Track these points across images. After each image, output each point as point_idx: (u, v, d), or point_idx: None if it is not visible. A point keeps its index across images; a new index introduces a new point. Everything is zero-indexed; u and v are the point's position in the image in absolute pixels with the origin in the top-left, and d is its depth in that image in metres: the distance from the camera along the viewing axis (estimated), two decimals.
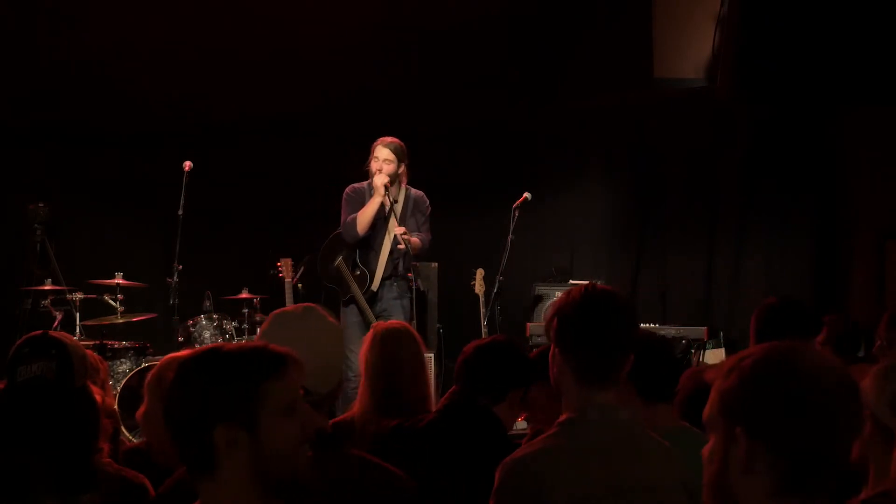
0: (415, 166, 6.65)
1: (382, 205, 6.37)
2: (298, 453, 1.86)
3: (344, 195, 6.52)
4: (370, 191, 6.42)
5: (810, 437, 1.55)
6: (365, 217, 6.35)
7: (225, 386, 1.82)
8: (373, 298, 6.48)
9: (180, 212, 6.60)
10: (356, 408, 3.54)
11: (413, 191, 6.58)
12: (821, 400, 1.55)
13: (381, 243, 6.51)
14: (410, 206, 6.53)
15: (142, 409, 3.35)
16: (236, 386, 1.82)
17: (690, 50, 7.74)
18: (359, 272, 6.51)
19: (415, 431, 3.17)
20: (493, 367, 3.23)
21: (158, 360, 6.48)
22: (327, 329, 2.38)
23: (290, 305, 2.48)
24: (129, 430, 6.27)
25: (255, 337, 2.40)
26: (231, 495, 1.83)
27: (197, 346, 6.76)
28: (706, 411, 1.65)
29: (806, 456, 1.56)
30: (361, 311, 6.41)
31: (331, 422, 2.61)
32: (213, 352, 1.89)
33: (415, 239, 6.41)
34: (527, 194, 7.07)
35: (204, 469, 1.82)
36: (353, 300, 6.46)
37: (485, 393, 3.20)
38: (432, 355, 6.78)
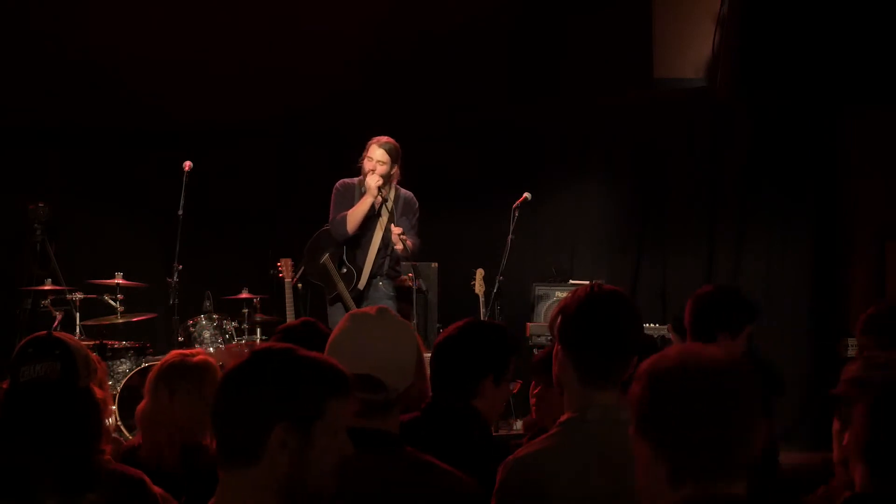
0: (415, 166, 6.65)
1: (373, 204, 6.38)
2: (332, 474, 1.88)
3: (334, 190, 6.51)
4: (360, 187, 6.43)
5: (683, 431, 1.69)
6: (355, 216, 6.35)
7: (300, 388, 1.85)
8: (359, 297, 6.47)
9: (180, 212, 6.59)
10: None
11: (403, 191, 6.57)
12: (690, 395, 1.70)
13: (370, 241, 6.49)
14: (401, 207, 6.53)
15: (140, 406, 3.34)
16: (310, 392, 1.86)
17: (690, 50, 7.74)
18: (345, 270, 6.50)
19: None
20: (457, 362, 2.96)
21: (159, 360, 6.49)
22: (402, 328, 2.44)
23: (365, 307, 2.55)
24: (130, 430, 6.26)
25: (330, 336, 2.42)
26: (256, 494, 1.85)
27: (197, 346, 6.76)
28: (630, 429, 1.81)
29: (685, 448, 1.69)
30: (348, 310, 6.37)
31: None
32: (293, 352, 1.92)
33: (409, 242, 6.41)
34: (527, 194, 7.07)
35: (245, 459, 1.84)
36: (338, 298, 6.44)
37: (456, 390, 2.96)
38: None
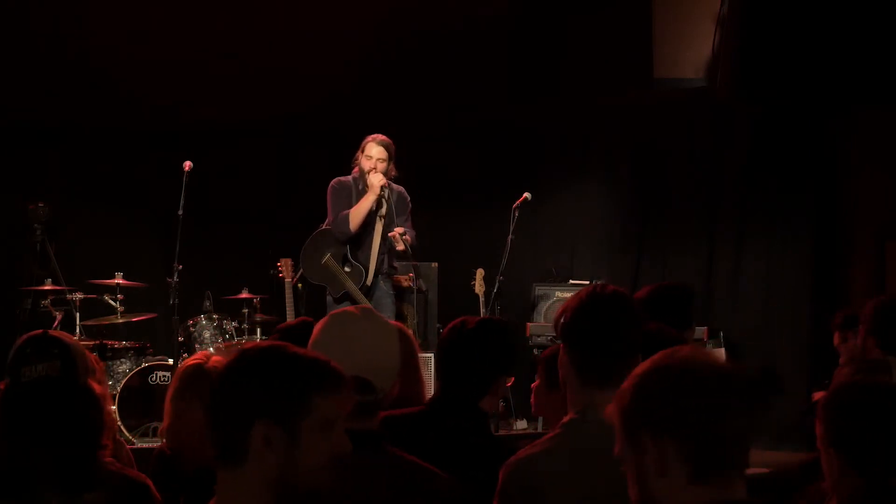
0: (415, 166, 6.66)
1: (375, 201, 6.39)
2: (324, 470, 1.87)
3: (330, 189, 6.52)
4: (357, 185, 6.43)
5: (710, 423, 1.66)
6: (359, 215, 6.36)
7: (279, 384, 1.84)
8: (366, 293, 6.48)
9: (180, 212, 6.58)
10: None
11: (394, 186, 6.58)
12: (712, 388, 1.68)
13: (371, 239, 6.51)
14: (395, 203, 6.53)
15: (170, 418, 3.28)
16: (290, 388, 1.84)
17: (690, 50, 7.74)
18: (350, 268, 6.50)
19: (399, 420, 2.89)
20: (476, 361, 2.91)
21: (158, 360, 6.49)
22: (386, 329, 2.41)
23: (349, 306, 2.52)
24: (129, 430, 6.26)
25: (312, 335, 2.40)
26: (249, 492, 1.84)
27: (197, 346, 6.76)
28: (616, 447, 1.77)
29: (712, 442, 1.66)
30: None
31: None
32: (279, 349, 1.90)
33: (407, 238, 6.43)
34: (527, 194, 7.07)
35: (233, 459, 1.84)
36: (346, 297, 6.44)
37: (469, 389, 2.91)
38: (432, 355, 6.78)
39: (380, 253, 6.50)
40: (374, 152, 6.37)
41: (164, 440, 3.26)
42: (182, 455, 3.12)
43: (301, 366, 1.87)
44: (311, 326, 3.15)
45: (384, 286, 6.57)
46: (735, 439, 1.68)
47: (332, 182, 6.53)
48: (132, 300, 7.06)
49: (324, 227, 6.60)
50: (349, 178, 6.50)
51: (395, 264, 6.71)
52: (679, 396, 1.67)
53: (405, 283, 7.06)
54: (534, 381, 3.41)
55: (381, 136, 6.42)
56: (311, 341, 2.35)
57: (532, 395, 3.44)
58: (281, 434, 1.82)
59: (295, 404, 1.83)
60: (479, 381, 2.92)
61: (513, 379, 3.13)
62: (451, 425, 2.84)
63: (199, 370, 3.23)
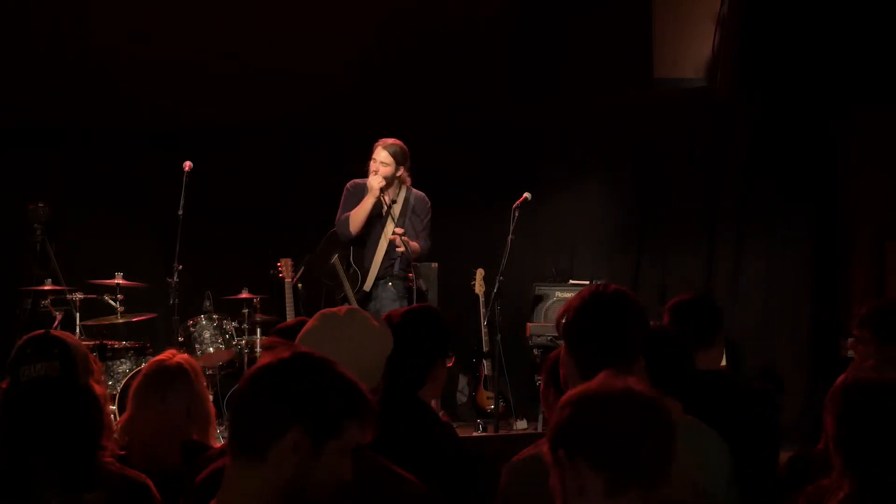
0: (415, 166, 6.65)
1: (380, 204, 6.38)
2: (329, 492, 1.88)
3: (345, 189, 6.54)
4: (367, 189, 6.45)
5: (617, 444, 1.81)
6: (358, 216, 6.37)
7: (326, 399, 1.86)
8: (366, 298, 6.47)
9: (180, 212, 6.59)
10: None
11: (415, 192, 6.57)
12: (618, 412, 1.83)
13: (377, 243, 6.50)
14: (409, 208, 6.52)
15: (128, 417, 3.31)
16: (336, 407, 1.86)
17: (690, 50, 7.74)
18: (351, 271, 6.52)
19: None
20: (413, 351, 2.88)
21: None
22: (370, 330, 2.41)
23: (336, 307, 2.51)
24: None
25: (298, 335, 2.40)
26: (256, 491, 1.85)
27: (197, 346, 6.76)
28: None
29: (620, 460, 1.81)
30: None
31: None
32: (332, 365, 1.92)
33: (413, 243, 6.40)
34: (527, 194, 7.06)
35: (256, 452, 1.85)
36: (346, 299, 6.45)
37: (409, 379, 2.89)
38: None
39: (385, 257, 6.49)
40: (380, 156, 6.38)
41: (118, 437, 3.26)
42: (130, 455, 3.13)
43: (349, 389, 1.90)
44: None
45: (393, 289, 6.54)
46: (643, 457, 1.81)
47: (348, 183, 6.54)
48: (132, 300, 7.06)
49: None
50: (365, 180, 6.49)
51: (414, 264, 6.58)
52: (587, 420, 1.84)
53: (408, 284, 7.06)
54: (537, 382, 3.42)
55: (391, 141, 6.41)
56: (297, 339, 2.35)
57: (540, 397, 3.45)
58: (310, 446, 1.84)
59: (334, 424, 1.86)
60: (413, 372, 2.90)
61: (452, 360, 3.10)
62: (391, 420, 2.81)
63: (160, 368, 3.26)
